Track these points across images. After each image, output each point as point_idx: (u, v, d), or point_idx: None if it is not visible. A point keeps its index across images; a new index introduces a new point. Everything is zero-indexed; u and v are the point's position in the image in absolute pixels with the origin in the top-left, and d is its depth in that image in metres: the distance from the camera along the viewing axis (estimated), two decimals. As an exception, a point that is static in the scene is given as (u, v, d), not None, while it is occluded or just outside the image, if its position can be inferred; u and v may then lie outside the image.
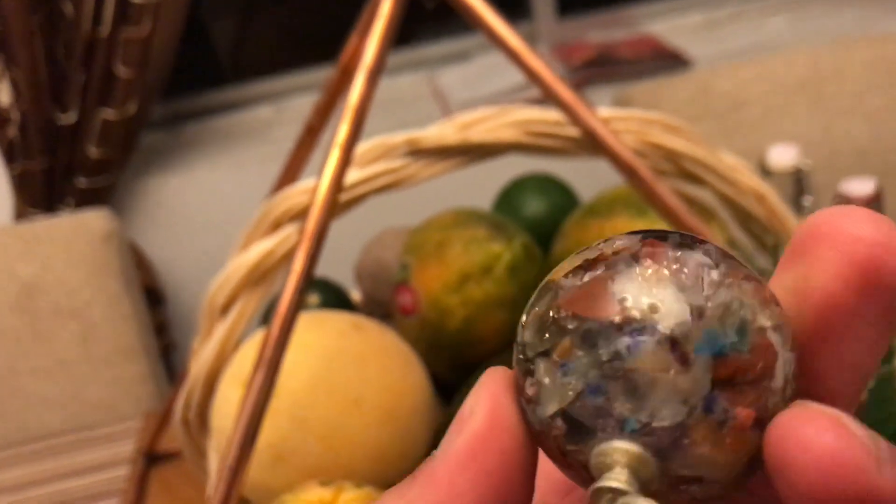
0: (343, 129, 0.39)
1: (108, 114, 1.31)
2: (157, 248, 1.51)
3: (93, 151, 1.33)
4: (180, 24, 1.33)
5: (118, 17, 1.25)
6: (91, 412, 1.10)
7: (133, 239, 1.48)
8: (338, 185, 0.39)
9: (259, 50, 1.82)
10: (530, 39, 1.65)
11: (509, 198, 0.72)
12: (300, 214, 0.47)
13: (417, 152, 0.47)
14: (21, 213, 1.38)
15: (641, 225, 0.50)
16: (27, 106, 1.28)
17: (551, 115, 0.45)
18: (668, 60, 1.48)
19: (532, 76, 0.41)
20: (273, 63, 1.72)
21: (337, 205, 0.42)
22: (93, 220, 1.08)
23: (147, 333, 1.12)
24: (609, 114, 0.48)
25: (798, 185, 0.64)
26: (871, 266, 0.14)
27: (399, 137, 0.47)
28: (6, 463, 0.99)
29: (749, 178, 0.50)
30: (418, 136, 0.47)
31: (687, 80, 1.07)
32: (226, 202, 1.51)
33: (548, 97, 0.41)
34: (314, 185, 0.42)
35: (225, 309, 0.49)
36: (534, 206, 0.70)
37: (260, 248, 0.48)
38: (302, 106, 1.63)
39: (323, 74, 1.66)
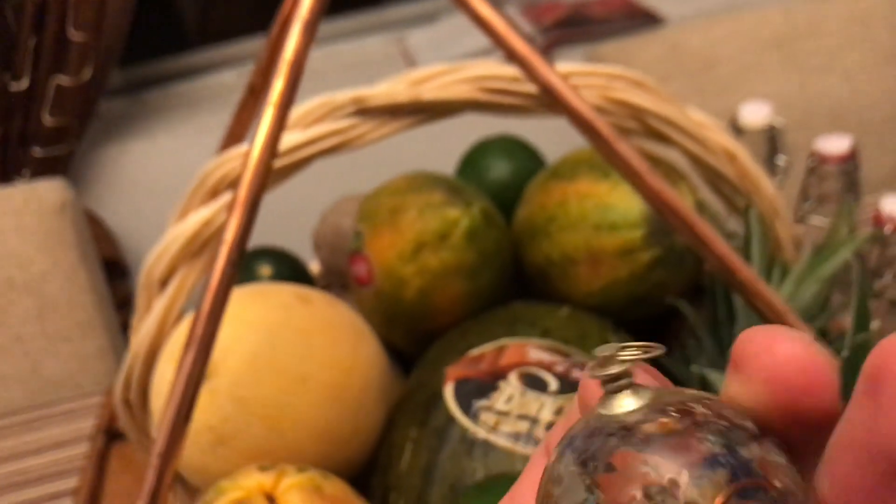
0: (277, 86, 0.36)
1: (63, 80, 1.26)
2: (119, 218, 1.47)
3: (48, 119, 1.28)
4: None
5: (69, -23, 1.19)
6: (51, 389, 1.07)
7: (94, 210, 1.44)
8: (272, 148, 0.36)
9: (224, 13, 1.76)
10: (500, 0, 1.61)
11: (472, 161, 0.69)
12: (238, 181, 0.44)
13: (365, 111, 0.43)
14: (-26, 185, 1.33)
15: (605, 187, 0.47)
16: (-24, 72, 1.23)
17: (508, 70, 0.42)
18: (640, 19, 1.45)
19: (485, 27, 0.37)
20: (237, 27, 1.67)
21: (273, 170, 0.39)
22: (45, 191, 1.03)
23: (106, 307, 1.09)
24: (569, 69, 0.45)
25: (771, 144, 0.61)
26: (797, 390, 0.14)
27: (345, 95, 0.44)
28: (-41, 443, 0.95)
29: (719, 135, 0.48)
30: (366, 93, 0.43)
31: (658, 38, 1.04)
32: (189, 170, 1.47)
33: (502, 50, 0.38)
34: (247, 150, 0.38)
35: (163, 283, 0.46)
36: (498, 169, 0.67)
37: (196, 218, 0.45)
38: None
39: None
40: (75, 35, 1.23)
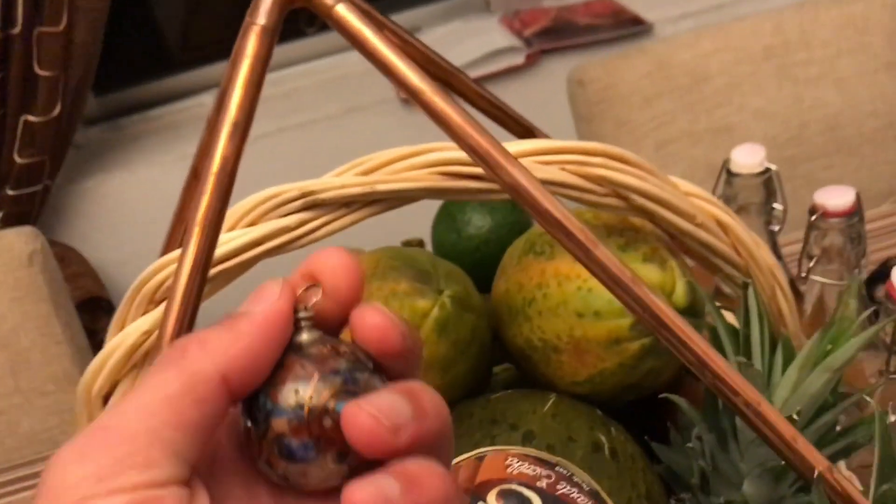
0: (203, 203, 0.32)
1: (32, 117, 1.22)
2: (101, 252, 1.43)
3: (18, 158, 1.23)
4: (103, 14, 1.23)
5: (29, 12, 1.15)
6: (28, 446, 1.03)
7: (74, 244, 1.40)
8: (204, 263, 0.32)
9: (204, 34, 1.72)
10: (483, 8, 1.56)
11: (450, 214, 0.65)
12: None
13: (315, 205, 0.39)
14: (-54, 229, 1.29)
15: (583, 272, 0.43)
16: (-59, 114, 1.18)
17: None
18: (627, 25, 1.40)
19: (440, 120, 0.33)
20: (217, 48, 1.62)
21: (209, 280, 0.35)
22: (13, 241, 0.99)
23: (85, 358, 1.04)
24: (542, 145, 0.40)
25: (767, 190, 0.57)
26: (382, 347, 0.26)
27: (292, 188, 0.39)
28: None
29: (709, 206, 0.43)
30: (314, 185, 0.39)
31: (644, 53, 0.99)
32: (170, 200, 1.43)
33: (461, 147, 0.33)
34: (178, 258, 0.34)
35: (104, 398, 0.42)
36: (477, 222, 0.63)
37: (135, 328, 0.41)
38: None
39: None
40: (42, 71, 1.19)
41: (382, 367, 0.25)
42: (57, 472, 0.22)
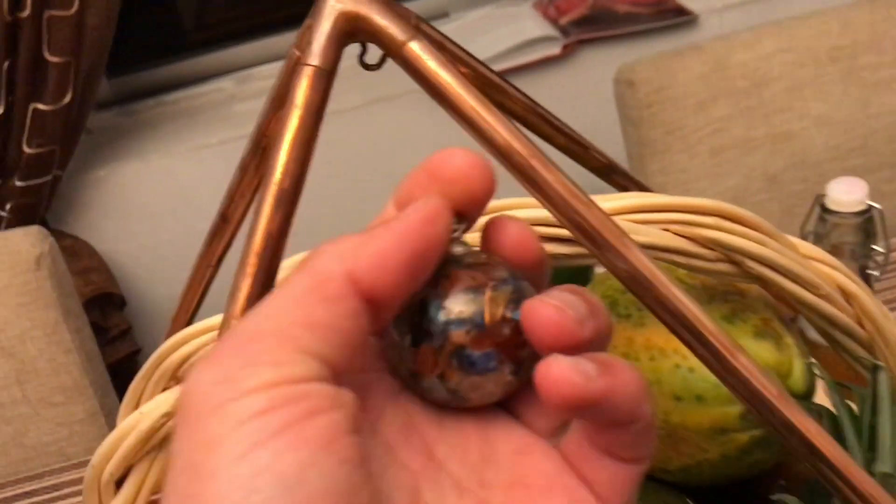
0: (243, 291, 0.25)
1: (41, 105, 1.15)
2: (111, 244, 1.37)
3: (27, 148, 1.17)
4: (117, -3, 1.16)
5: (40, -5, 1.08)
6: (35, 458, 0.98)
7: (84, 236, 1.34)
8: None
9: (218, 13, 1.64)
10: (515, -6, 1.48)
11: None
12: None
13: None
14: (-48, 221, 1.23)
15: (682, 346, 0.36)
16: (-54, 100, 1.12)
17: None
18: (670, 15, 1.32)
19: (534, 185, 0.26)
20: (234, 30, 1.55)
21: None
22: (20, 242, 0.93)
23: (96, 367, 0.99)
24: (641, 202, 0.34)
25: (866, 230, 0.50)
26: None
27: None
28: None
29: (833, 271, 0.37)
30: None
31: (700, 52, 0.92)
32: (184, 191, 1.37)
33: (560, 218, 0.27)
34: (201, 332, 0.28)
35: (117, 483, 0.36)
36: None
37: (154, 408, 0.34)
38: (267, 74, 1.47)
39: (287, 40, 1.49)
40: (52, 57, 1.12)
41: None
42: (191, 386, 0.20)
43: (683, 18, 1.31)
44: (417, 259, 0.22)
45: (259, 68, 1.48)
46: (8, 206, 1.21)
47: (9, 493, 0.94)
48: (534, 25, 1.36)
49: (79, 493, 0.92)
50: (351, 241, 0.22)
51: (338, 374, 0.21)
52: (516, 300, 0.24)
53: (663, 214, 0.35)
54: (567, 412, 0.23)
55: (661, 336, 0.38)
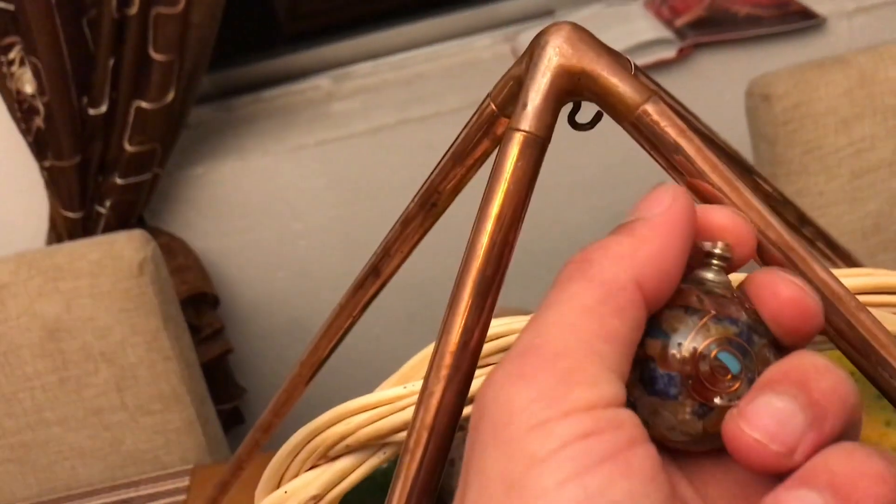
0: (419, 462, 0.21)
1: (144, 104, 1.14)
2: (206, 242, 1.35)
3: (129, 146, 1.16)
4: (222, -6, 1.14)
5: (148, -8, 1.06)
6: (132, 465, 0.96)
7: (180, 235, 1.33)
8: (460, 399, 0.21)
9: (316, 9, 1.62)
10: (625, -8, 1.42)
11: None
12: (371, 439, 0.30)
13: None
14: (55, 218, 1.23)
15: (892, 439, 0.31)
16: (51, 96, 1.11)
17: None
18: (795, 18, 1.24)
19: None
20: (328, 24, 1.52)
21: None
22: (123, 247, 0.91)
23: (193, 375, 0.97)
24: (883, 281, 0.28)
25: None
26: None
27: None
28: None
29: None
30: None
31: (844, 65, 0.84)
32: (281, 192, 1.34)
33: (826, 325, 0.22)
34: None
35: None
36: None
37: (300, 488, 0.30)
38: (364, 72, 1.44)
39: (387, 38, 1.46)
40: (157, 55, 1.11)
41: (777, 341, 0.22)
42: (499, 398, 0.19)
43: (810, 22, 1.23)
44: (684, 258, 0.21)
45: (356, 66, 1.45)
46: (108, 204, 1.21)
47: (105, 499, 0.92)
48: (646, 26, 1.30)
49: (176, 497, 0.90)
50: (622, 245, 0.21)
51: None
52: (737, 346, 0.21)
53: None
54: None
55: (875, 429, 0.32)
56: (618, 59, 0.23)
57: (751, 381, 0.21)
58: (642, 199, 0.21)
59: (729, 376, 0.21)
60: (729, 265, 0.22)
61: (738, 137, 1.05)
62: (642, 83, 0.22)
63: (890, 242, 0.86)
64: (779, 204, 0.36)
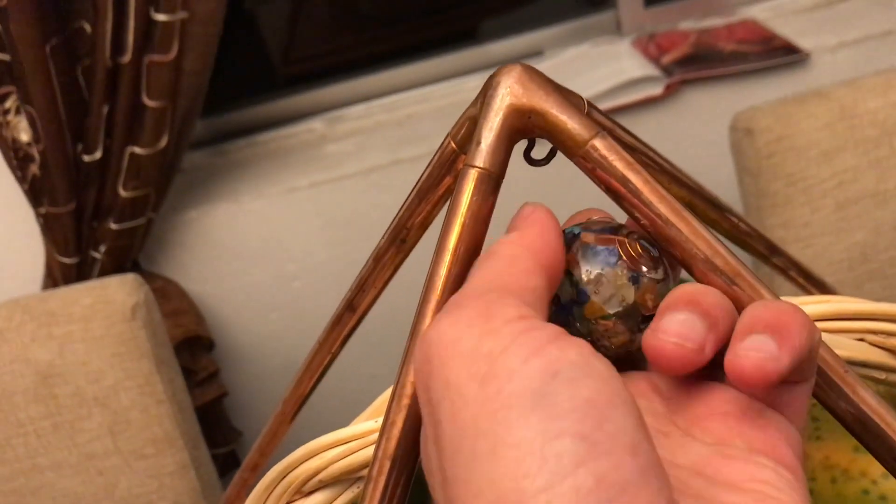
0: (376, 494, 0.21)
1: (138, 150, 1.15)
2: (200, 285, 1.36)
3: (123, 191, 1.17)
4: (214, 41, 1.16)
5: (140, 39, 1.08)
6: (125, 510, 0.96)
7: (173, 277, 1.33)
8: None
9: (305, 48, 1.64)
10: (613, 30, 1.44)
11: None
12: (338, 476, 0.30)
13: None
14: (50, 264, 1.24)
15: (873, 463, 0.31)
16: (46, 143, 1.12)
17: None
18: (779, 54, 1.26)
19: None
20: (321, 69, 1.54)
21: None
22: (115, 292, 0.92)
23: (187, 418, 0.97)
24: (843, 307, 0.29)
25: None
26: None
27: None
28: None
29: None
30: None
31: (824, 98, 0.86)
32: (276, 234, 1.35)
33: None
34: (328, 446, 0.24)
35: None
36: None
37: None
38: (356, 115, 1.46)
39: (379, 81, 1.47)
40: (150, 102, 1.12)
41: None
42: (442, 330, 0.22)
43: (794, 57, 1.25)
44: (558, 235, 0.25)
45: (349, 109, 1.47)
46: (103, 249, 1.21)
47: (99, 545, 0.92)
48: (634, 64, 1.32)
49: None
50: (514, 233, 0.25)
51: None
52: (651, 243, 0.26)
53: (858, 323, 0.30)
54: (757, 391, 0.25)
55: (843, 455, 0.33)
56: (569, 97, 0.24)
57: (666, 273, 0.26)
58: (514, 216, 0.25)
59: (653, 254, 0.26)
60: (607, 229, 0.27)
61: (725, 171, 1.06)
62: (591, 120, 0.23)
63: (876, 272, 0.86)
64: (747, 236, 0.37)
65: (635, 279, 0.25)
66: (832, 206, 0.84)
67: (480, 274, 0.24)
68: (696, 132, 1.23)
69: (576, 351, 0.21)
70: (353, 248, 1.36)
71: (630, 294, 0.26)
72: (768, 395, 0.25)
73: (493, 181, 0.23)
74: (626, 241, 0.26)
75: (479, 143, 0.23)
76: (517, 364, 0.21)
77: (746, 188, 0.87)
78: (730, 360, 0.23)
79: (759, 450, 0.24)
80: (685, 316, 0.24)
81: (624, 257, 0.26)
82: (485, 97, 0.23)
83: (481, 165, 0.23)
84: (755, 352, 0.22)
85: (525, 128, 0.23)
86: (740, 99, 1.20)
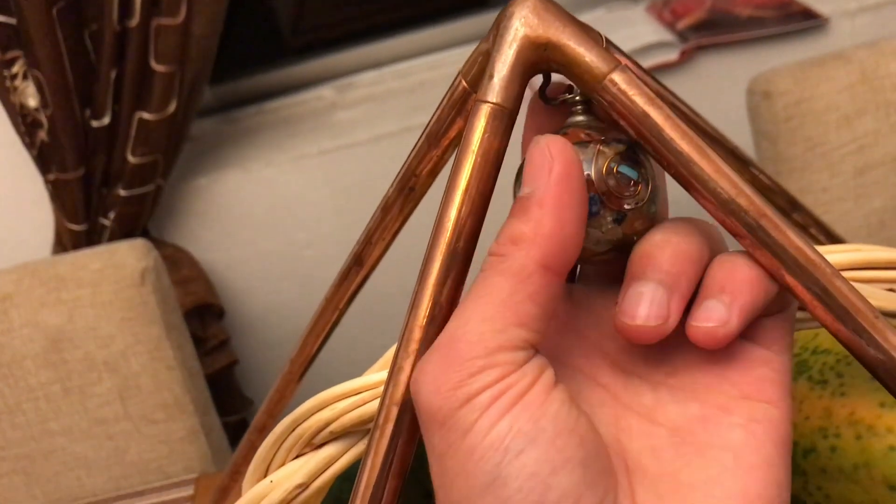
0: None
1: (146, 115, 1.14)
2: (210, 254, 1.36)
3: (132, 157, 1.16)
4: (223, 5, 1.14)
5: (147, 3, 1.07)
6: (136, 475, 0.96)
7: (184, 245, 1.33)
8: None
9: (315, 17, 1.62)
10: (627, -4, 1.42)
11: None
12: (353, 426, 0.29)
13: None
14: (60, 231, 1.23)
15: (892, 421, 0.30)
16: (54, 109, 1.12)
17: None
18: (797, 19, 1.24)
19: (778, 252, 0.21)
20: (331, 37, 1.53)
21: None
22: (125, 256, 0.91)
23: (197, 384, 0.96)
24: (872, 256, 0.28)
25: None
26: None
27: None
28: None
29: None
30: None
31: (844, 61, 0.84)
32: (285, 201, 1.34)
33: (804, 293, 0.21)
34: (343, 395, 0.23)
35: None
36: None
37: (285, 478, 0.30)
38: (367, 81, 1.44)
39: (390, 47, 1.46)
40: (158, 66, 1.11)
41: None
42: (426, 382, 0.22)
43: (813, 22, 1.22)
44: (581, 212, 0.24)
45: (359, 76, 1.46)
46: (111, 215, 1.21)
47: (110, 509, 0.92)
48: (649, 30, 1.29)
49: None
50: (525, 232, 0.23)
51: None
52: (628, 157, 0.25)
53: (889, 272, 0.29)
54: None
55: (869, 410, 0.32)
56: (586, 30, 0.23)
57: (648, 182, 0.25)
58: (527, 164, 0.23)
59: (631, 182, 0.25)
60: (588, 105, 0.26)
61: (741, 139, 1.04)
62: (609, 53, 0.22)
63: (895, 239, 0.85)
64: (768, 190, 0.36)
65: (619, 219, 0.25)
66: (851, 171, 0.82)
67: (483, 305, 0.23)
68: (712, 99, 1.21)
69: (527, 416, 0.22)
70: (363, 217, 1.34)
71: (617, 233, 0.25)
72: (751, 333, 0.25)
73: (506, 117, 0.22)
74: (604, 176, 0.25)
75: (491, 76, 0.22)
76: (478, 441, 0.22)
77: (764, 153, 0.86)
78: (687, 325, 0.24)
79: (744, 392, 0.24)
80: (645, 288, 0.24)
81: (604, 200, 0.25)
82: (498, 29, 0.22)
83: (494, 101, 0.22)
84: (705, 321, 0.23)
85: (540, 60, 0.22)
86: (757, 65, 1.18)
